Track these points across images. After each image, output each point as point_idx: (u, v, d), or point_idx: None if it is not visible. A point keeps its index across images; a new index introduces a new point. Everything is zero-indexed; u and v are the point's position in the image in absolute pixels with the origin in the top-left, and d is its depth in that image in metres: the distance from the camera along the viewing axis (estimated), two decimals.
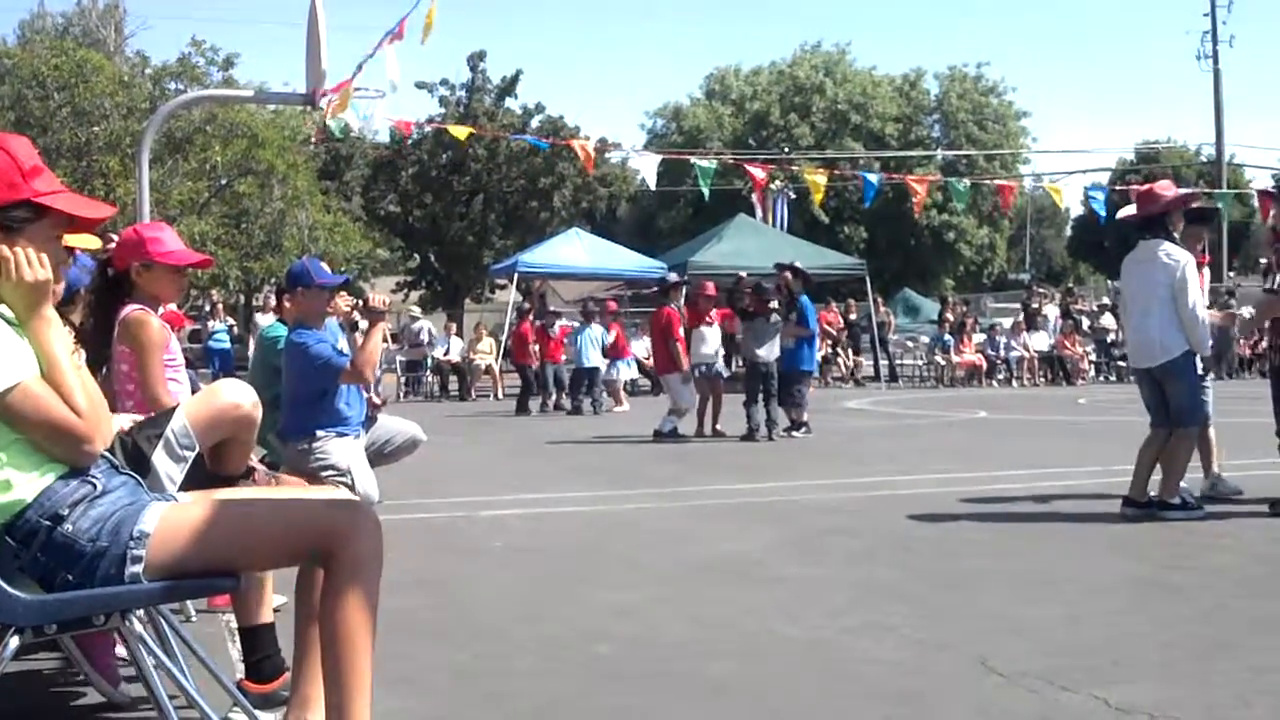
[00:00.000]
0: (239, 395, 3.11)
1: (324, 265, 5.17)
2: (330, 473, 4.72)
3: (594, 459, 10.47)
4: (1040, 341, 23.04)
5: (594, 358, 16.82)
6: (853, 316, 23.83)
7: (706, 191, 17.39)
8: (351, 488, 4.58)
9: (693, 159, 20.90)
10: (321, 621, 2.49)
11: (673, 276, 15.81)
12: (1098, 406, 15.94)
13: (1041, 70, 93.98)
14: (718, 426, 12.14)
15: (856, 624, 4.16)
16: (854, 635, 4.01)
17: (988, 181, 30.60)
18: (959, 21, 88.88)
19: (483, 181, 33.30)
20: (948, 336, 22.94)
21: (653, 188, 26.85)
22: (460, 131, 19.75)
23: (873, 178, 18.53)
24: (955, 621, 4.18)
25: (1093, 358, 23.66)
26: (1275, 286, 6.65)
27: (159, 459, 2.93)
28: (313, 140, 27.92)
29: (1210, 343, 6.57)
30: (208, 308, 22.43)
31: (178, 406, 3.12)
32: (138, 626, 2.48)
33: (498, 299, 33.11)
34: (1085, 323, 24.56)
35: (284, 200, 25.46)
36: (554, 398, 17.40)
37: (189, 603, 4.21)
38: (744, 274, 15.06)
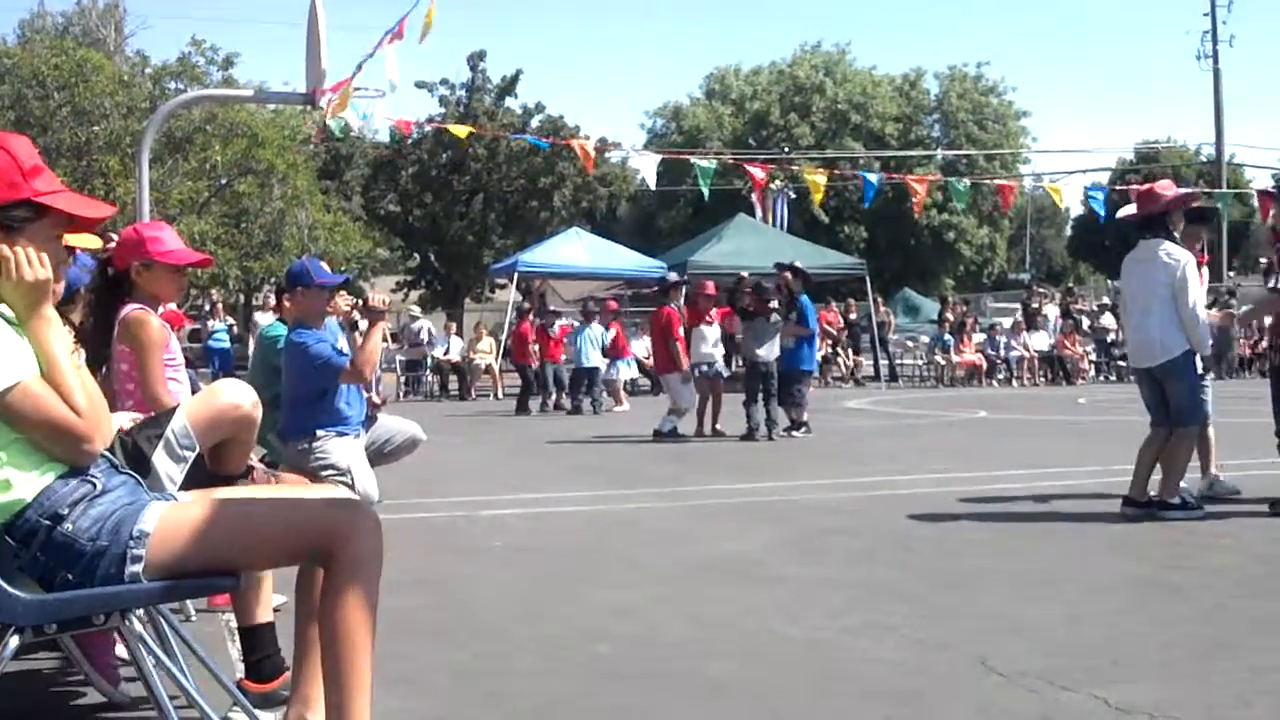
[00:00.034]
0: (239, 395, 3.11)
1: (324, 265, 5.18)
2: (330, 472, 4.72)
3: (594, 459, 10.47)
4: (1040, 341, 23.03)
5: (594, 357, 16.81)
6: (853, 316, 23.82)
7: (706, 191, 17.39)
8: (351, 487, 4.58)
9: (693, 159, 20.88)
10: (321, 621, 2.49)
11: (673, 276, 15.79)
12: (1098, 406, 15.94)
13: (1041, 70, 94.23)
14: (718, 426, 12.14)
15: (856, 624, 4.16)
16: (854, 635, 4.01)
17: (988, 181, 30.58)
18: (959, 21, 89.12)
19: (483, 181, 33.30)
20: (948, 336, 22.94)
21: (653, 187, 26.88)
22: (460, 131, 19.79)
23: (873, 177, 18.50)
24: (955, 621, 4.18)
25: (1093, 357, 23.66)
26: (1277, 286, 6.66)
27: (159, 459, 2.94)
28: (313, 140, 27.88)
29: (1210, 342, 6.57)
30: (207, 307, 22.45)
31: (178, 406, 3.13)
32: (138, 626, 2.48)
33: (498, 298, 33.13)
34: (1085, 322, 24.55)
35: (284, 200, 25.45)
36: (554, 397, 17.40)
37: (189, 602, 4.21)
38: (744, 274, 15.06)
